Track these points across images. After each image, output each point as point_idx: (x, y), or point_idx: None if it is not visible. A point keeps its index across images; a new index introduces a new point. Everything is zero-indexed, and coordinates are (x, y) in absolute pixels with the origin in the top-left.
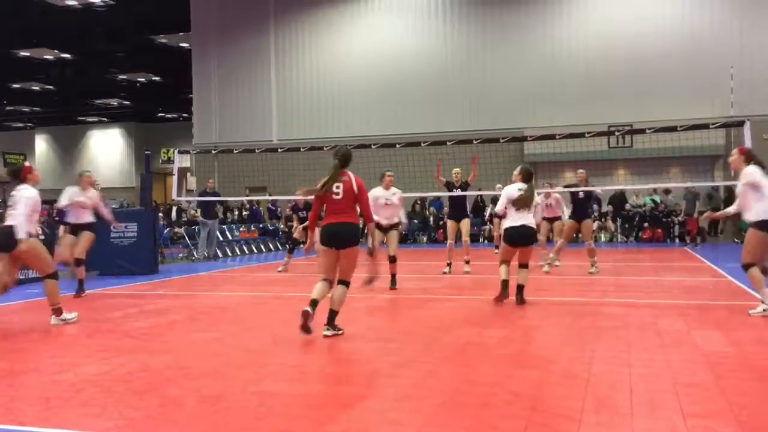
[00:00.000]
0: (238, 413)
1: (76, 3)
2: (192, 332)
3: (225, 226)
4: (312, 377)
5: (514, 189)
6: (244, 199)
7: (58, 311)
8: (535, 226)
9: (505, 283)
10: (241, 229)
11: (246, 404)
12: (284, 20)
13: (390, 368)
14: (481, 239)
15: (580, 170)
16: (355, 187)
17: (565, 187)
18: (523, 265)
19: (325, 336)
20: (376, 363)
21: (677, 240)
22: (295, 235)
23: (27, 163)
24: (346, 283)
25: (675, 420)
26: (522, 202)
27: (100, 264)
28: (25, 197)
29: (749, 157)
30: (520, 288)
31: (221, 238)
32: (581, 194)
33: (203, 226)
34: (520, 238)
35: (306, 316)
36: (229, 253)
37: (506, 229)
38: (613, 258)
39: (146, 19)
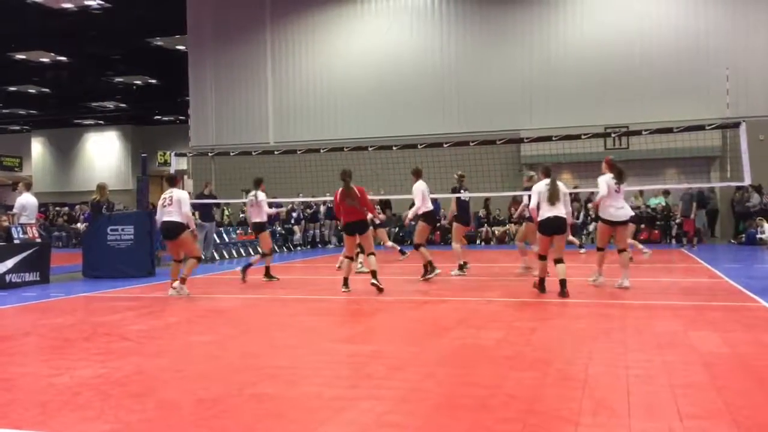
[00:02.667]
0: (235, 416)
1: (72, 5)
2: (189, 335)
3: (222, 229)
4: (308, 380)
5: (543, 185)
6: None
7: (183, 281)
8: (565, 217)
9: (542, 281)
10: (238, 231)
11: (243, 407)
12: (280, 23)
13: (386, 370)
14: (477, 241)
15: (460, 172)
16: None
17: (453, 191)
18: (559, 260)
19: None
20: (373, 365)
21: (674, 241)
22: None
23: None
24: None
25: (672, 421)
26: (554, 196)
27: (96, 267)
28: (186, 197)
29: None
30: (563, 282)
31: (218, 241)
32: (467, 198)
33: (200, 228)
34: (553, 227)
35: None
36: (226, 256)
37: (541, 221)
38: (609, 260)
39: (142, 21)
